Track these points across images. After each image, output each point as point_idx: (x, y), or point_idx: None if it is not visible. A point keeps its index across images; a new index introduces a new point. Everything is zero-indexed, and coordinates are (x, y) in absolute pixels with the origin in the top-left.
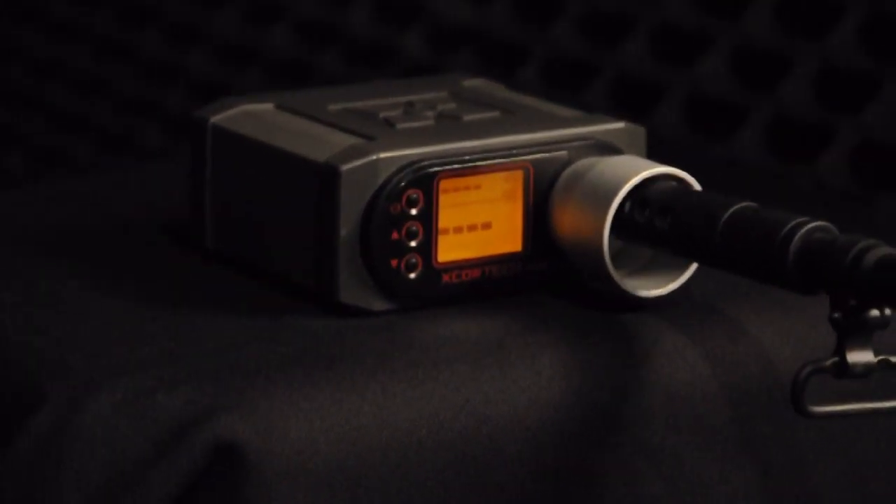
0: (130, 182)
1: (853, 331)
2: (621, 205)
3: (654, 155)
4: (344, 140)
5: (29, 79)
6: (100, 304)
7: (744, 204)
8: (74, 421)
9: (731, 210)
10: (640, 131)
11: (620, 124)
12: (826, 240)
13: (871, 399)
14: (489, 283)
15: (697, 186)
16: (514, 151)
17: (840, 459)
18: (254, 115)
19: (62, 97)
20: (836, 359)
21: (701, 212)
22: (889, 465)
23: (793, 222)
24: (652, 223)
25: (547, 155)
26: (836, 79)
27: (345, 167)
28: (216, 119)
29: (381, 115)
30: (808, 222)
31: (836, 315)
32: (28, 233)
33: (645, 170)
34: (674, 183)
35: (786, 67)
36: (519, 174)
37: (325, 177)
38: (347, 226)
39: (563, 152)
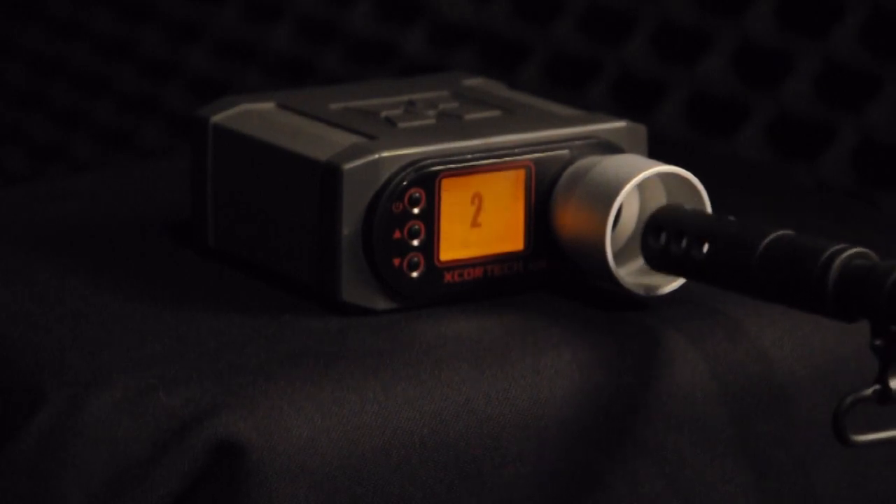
0: (131, 180)
1: (895, 356)
2: (656, 236)
3: (656, 153)
4: (345, 139)
5: (29, 76)
6: (101, 303)
7: (780, 232)
8: (75, 420)
9: (768, 239)
10: (641, 130)
11: (622, 123)
12: (865, 266)
13: None
14: (491, 283)
15: (700, 186)
16: (516, 150)
17: (840, 459)
18: (255, 115)
19: (62, 95)
20: (877, 386)
21: (737, 242)
22: (889, 465)
23: (830, 250)
24: (689, 254)
25: (548, 154)
26: (838, 77)
27: (347, 166)
28: (217, 118)
29: (383, 113)
30: (845, 249)
31: (878, 342)
32: (29, 231)
33: (647, 169)
34: (706, 210)
35: (787, 66)
36: (521, 173)
37: (328, 176)
38: (349, 225)
39: (565, 151)
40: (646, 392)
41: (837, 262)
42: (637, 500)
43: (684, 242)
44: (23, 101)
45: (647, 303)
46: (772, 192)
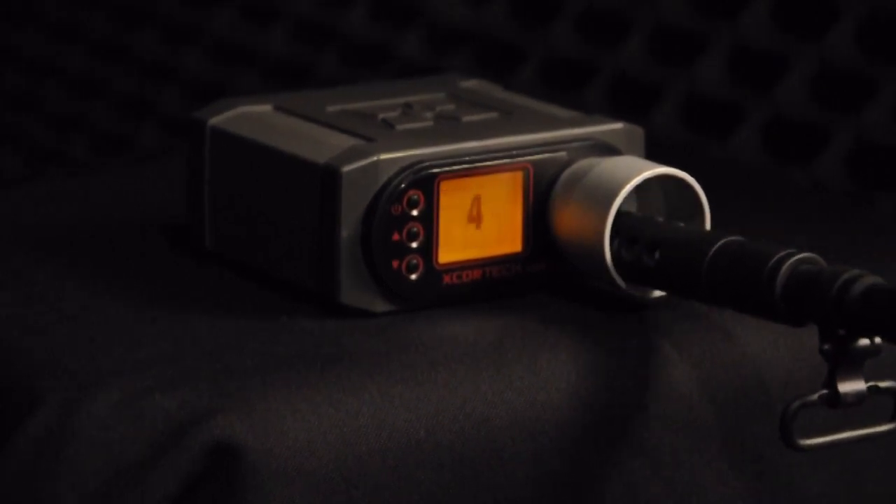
0: (128, 182)
1: (844, 361)
2: (610, 241)
3: (653, 156)
4: (344, 141)
5: (25, 79)
6: (97, 305)
7: (729, 238)
8: (71, 422)
9: (717, 245)
10: (638, 132)
11: (619, 125)
12: (812, 271)
13: (860, 425)
14: (490, 284)
15: (698, 187)
16: (514, 152)
17: (836, 460)
18: (252, 117)
19: (59, 97)
20: (825, 391)
21: (687, 248)
22: (884, 467)
23: (778, 255)
24: (640, 260)
25: (546, 156)
26: (833, 79)
27: (346, 169)
28: (214, 121)
29: (380, 116)
30: (793, 254)
31: (826, 346)
32: (25, 233)
33: (645, 170)
34: (658, 218)
35: (783, 68)
36: (519, 175)
37: (326, 178)
38: (348, 227)
39: (563, 153)
40: (642, 394)
41: (785, 267)
42: (634, 502)
43: (636, 249)
44: (20, 103)
45: (644, 304)
46: (769, 194)
